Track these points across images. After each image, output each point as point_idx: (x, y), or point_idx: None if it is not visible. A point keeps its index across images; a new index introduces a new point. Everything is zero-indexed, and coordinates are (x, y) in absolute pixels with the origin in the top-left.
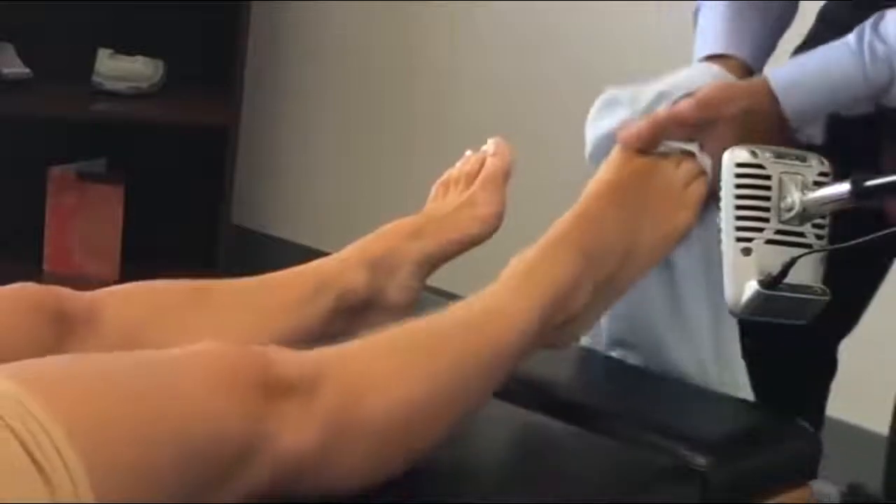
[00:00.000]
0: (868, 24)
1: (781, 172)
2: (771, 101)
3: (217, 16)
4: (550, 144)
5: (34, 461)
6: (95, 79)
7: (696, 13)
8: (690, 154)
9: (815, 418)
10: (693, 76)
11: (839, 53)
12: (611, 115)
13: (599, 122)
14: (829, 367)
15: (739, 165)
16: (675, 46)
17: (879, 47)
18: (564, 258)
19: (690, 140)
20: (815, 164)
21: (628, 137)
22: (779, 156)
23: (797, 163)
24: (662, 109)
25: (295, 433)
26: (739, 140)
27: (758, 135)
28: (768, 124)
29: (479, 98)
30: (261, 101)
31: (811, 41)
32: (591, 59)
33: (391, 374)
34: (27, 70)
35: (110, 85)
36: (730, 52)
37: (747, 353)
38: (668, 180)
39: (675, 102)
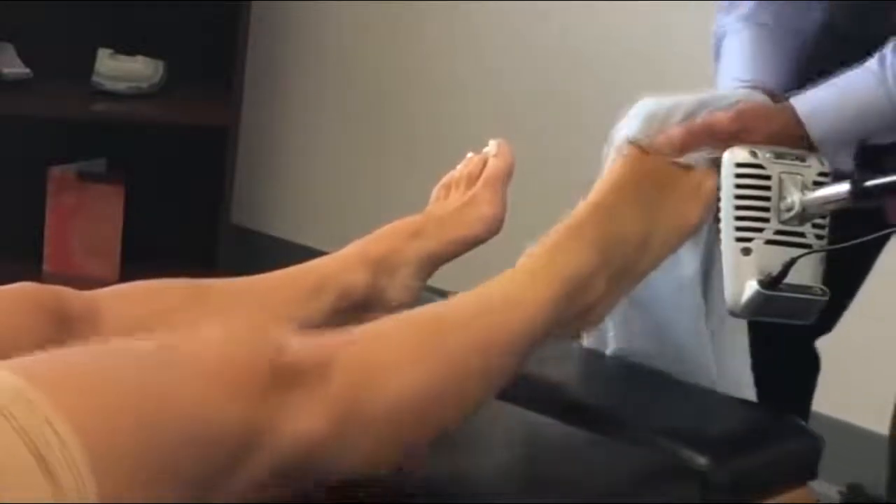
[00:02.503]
0: (889, 48)
1: (781, 172)
2: (798, 127)
3: (217, 16)
4: (551, 145)
5: (38, 454)
6: (95, 79)
7: (716, 44)
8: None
9: (801, 416)
10: (731, 93)
11: (862, 79)
12: (638, 123)
13: (627, 127)
14: (811, 364)
15: (739, 165)
16: (676, 46)
17: None
18: (579, 250)
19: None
20: (815, 164)
21: (661, 143)
22: (778, 156)
23: (797, 163)
24: (699, 119)
25: (305, 421)
26: None
27: None
28: (798, 148)
29: (479, 99)
30: (261, 101)
31: (821, 54)
32: (591, 59)
33: (403, 358)
34: (27, 70)
35: (110, 85)
36: (758, 79)
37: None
38: (681, 177)
39: (713, 112)
